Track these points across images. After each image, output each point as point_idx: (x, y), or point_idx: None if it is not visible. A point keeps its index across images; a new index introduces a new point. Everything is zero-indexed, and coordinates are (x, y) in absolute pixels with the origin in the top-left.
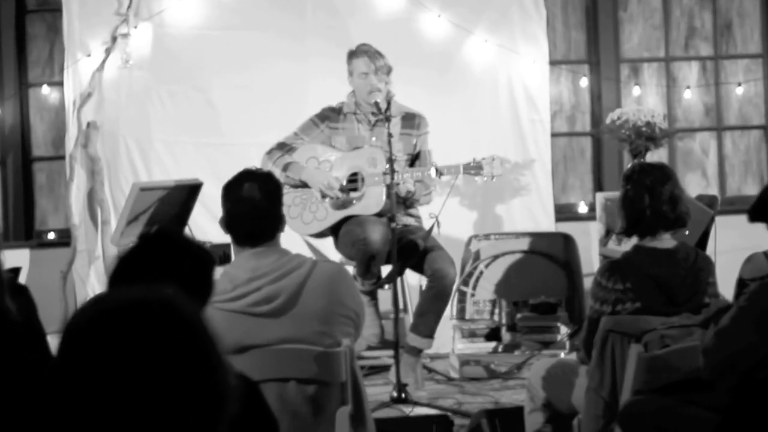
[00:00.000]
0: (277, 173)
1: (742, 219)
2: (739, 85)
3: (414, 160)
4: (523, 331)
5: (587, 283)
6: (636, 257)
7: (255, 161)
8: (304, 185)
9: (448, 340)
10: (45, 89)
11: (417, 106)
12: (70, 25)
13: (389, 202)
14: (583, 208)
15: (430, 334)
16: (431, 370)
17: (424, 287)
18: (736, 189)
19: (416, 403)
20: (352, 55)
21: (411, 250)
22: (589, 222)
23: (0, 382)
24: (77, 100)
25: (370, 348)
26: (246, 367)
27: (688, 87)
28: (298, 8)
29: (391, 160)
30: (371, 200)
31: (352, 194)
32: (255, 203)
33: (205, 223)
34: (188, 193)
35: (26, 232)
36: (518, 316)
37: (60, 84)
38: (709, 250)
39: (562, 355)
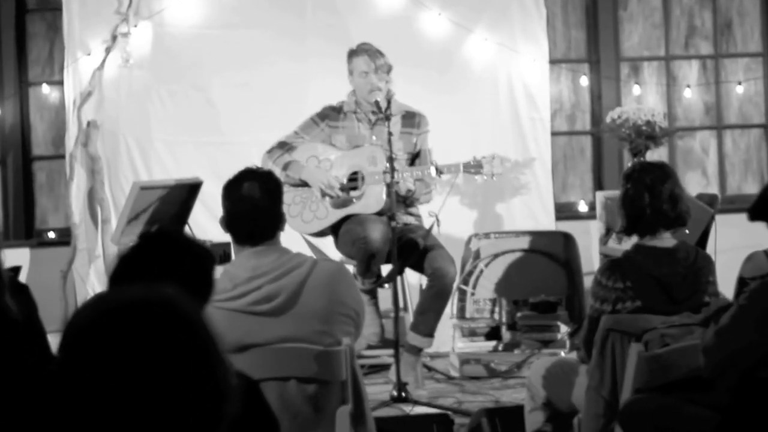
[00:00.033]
0: (278, 172)
1: (743, 218)
2: (740, 83)
3: (414, 158)
4: (523, 330)
5: (587, 281)
6: (636, 256)
7: (255, 160)
8: (304, 184)
9: (449, 338)
10: (45, 88)
11: (417, 105)
12: (70, 24)
13: (389, 200)
14: (583, 207)
15: (430, 333)
16: (431, 368)
17: (424, 286)
18: (737, 188)
19: (416, 402)
20: (353, 53)
21: (411, 248)
22: (590, 221)
23: (0, 381)
24: (77, 99)
25: (370, 347)
26: (246, 365)
27: (688, 86)
28: (298, 7)
29: (391, 159)
30: (371, 199)
31: (352, 193)
32: (255, 202)
33: (206, 222)
34: (188, 191)
35: (26, 231)
36: (518, 314)
37: (60, 83)
38: (710, 249)
39: (563, 353)
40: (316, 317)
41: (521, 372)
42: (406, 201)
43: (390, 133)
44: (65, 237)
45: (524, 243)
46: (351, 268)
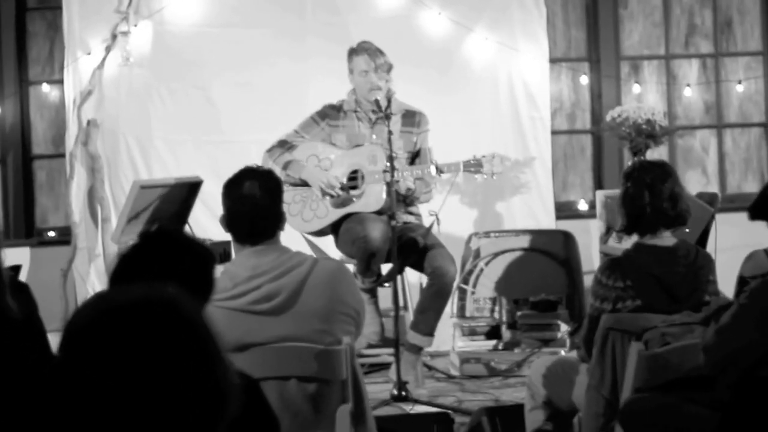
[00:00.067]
0: (278, 171)
1: (743, 216)
2: (740, 82)
3: (414, 157)
4: (524, 329)
5: (587, 280)
6: (636, 255)
7: (255, 159)
8: (304, 184)
9: (449, 337)
10: (45, 87)
11: (417, 104)
12: (71, 23)
13: (389, 199)
14: (583, 206)
15: (430, 332)
16: (431, 367)
17: (424, 285)
18: (737, 186)
19: (416, 401)
20: (353, 52)
21: (411, 247)
22: (590, 220)
23: (1, 380)
24: (77, 98)
25: (370, 346)
26: (246, 365)
27: (689, 84)
28: (298, 7)
29: (391, 158)
30: (371, 198)
31: (352, 192)
32: (255, 201)
33: (206, 221)
34: (188, 190)
35: (26, 230)
36: (518, 313)
37: (60, 82)
38: (710, 248)
39: (563, 352)
40: (316, 316)
41: (521, 371)
42: (406, 200)
43: (390, 132)
44: (65, 236)
45: (524, 242)
46: (351, 267)
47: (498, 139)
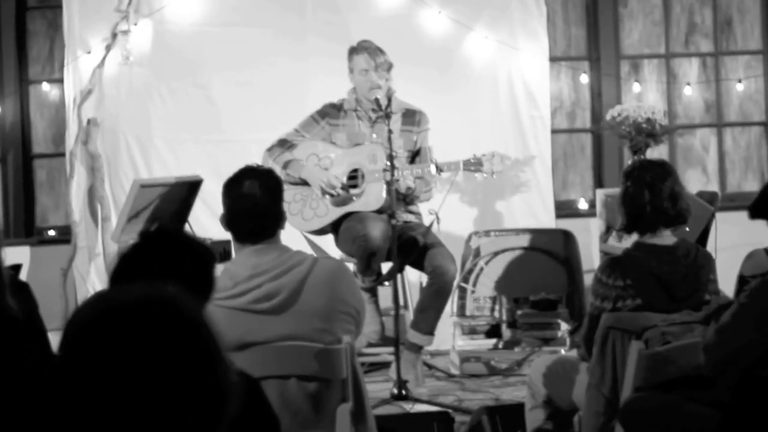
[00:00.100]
0: (278, 170)
1: (743, 215)
2: (740, 81)
3: (414, 156)
4: (524, 328)
5: (587, 279)
6: (636, 254)
7: (255, 158)
8: (304, 183)
9: (449, 336)
10: (45, 86)
11: (417, 103)
12: (71, 22)
13: (389, 198)
14: (583, 205)
15: (430, 331)
16: (432, 366)
17: (424, 284)
18: (737, 185)
19: (417, 400)
20: (353, 51)
21: (411, 246)
22: (590, 218)
23: (1, 379)
24: (77, 97)
25: (370, 345)
26: (247, 364)
27: (689, 83)
28: (298, 6)
29: (391, 157)
30: (371, 197)
31: (352, 191)
32: (256, 200)
33: (206, 220)
34: (188, 189)
35: (27, 229)
36: (518, 312)
37: (60, 81)
38: (710, 247)
39: (563, 351)
40: (316, 315)
41: (522, 370)
42: (406, 199)
43: (390, 131)
44: (65, 235)
45: (524, 241)
46: (351, 266)
47: (498, 137)
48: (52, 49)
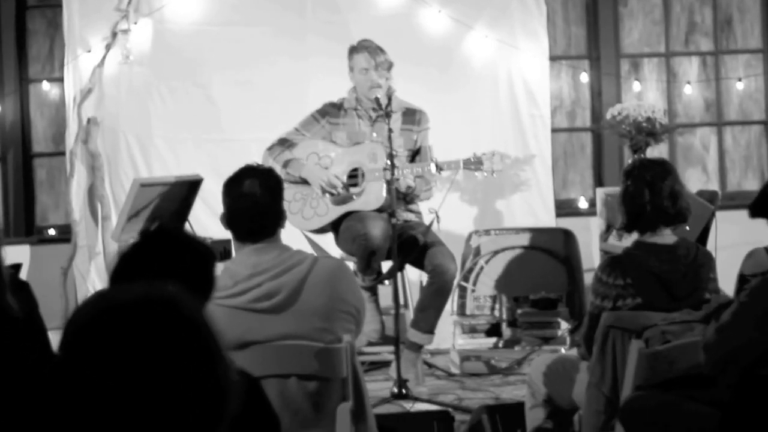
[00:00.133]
0: (278, 169)
1: (743, 214)
2: (740, 80)
3: (414, 155)
4: (524, 327)
5: (588, 278)
6: (637, 253)
7: (255, 157)
8: (304, 182)
9: (449, 335)
10: (45, 85)
11: (417, 102)
12: (71, 21)
13: (389, 197)
14: (583, 204)
15: (430, 330)
16: (432, 365)
17: (424, 283)
18: (737, 184)
19: (417, 399)
20: (353, 50)
21: (411, 245)
22: (590, 217)
23: (1, 378)
24: (77, 96)
25: (370, 344)
26: (247, 363)
27: (689, 82)
28: (298, 5)
29: (391, 156)
30: (371, 196)
31: (353, 190)
32: (256, 199)
33: (206, 219)
34: (188, 188)
35: (27, 228)
36: (519, 311)
37: (60, 80)
38: (710, 246)
39: (563, 350)
40: (316, 314)
41: (522, 369)
42: (407, 198)
43: (390, 130)
44: (65, 234)
45: (524, 240)
46: (351, 265)
47: (498, 136)
48: (52, 48)
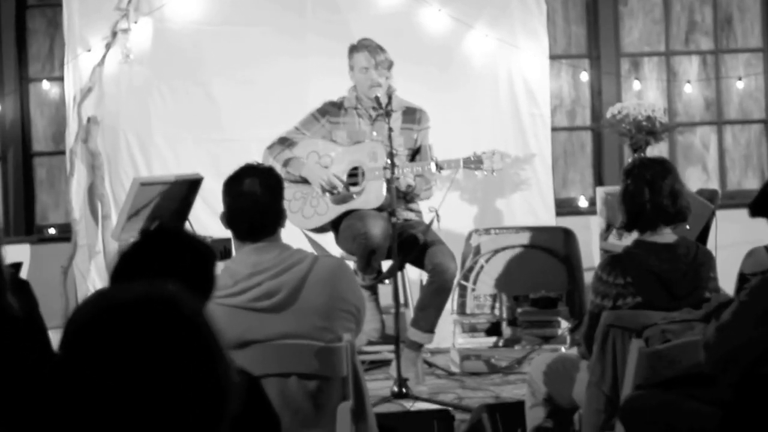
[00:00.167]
0: (278, 168)
1: (743, 213)
2: (740, 79)
3: (415, 154)
4: (524, 326)
5: (588, 277)
6: (637, 252)
7: (255, 156)
8: (304, 181)
9: (449, 334)
10: (45, 84)
11: (417, 101)
12: (71, 20)
13: (389, 196)
14: (583, 203)
15: (430, 329)
16: (432, 364)
17: (424, 282)
18: (737, 183)
19: (417, 398)
20: (353, 49)
21: (411, 244)
22: (590, 216)
23: (1, 377)
24: (77, 95)
25: (370, 343)
26: (247, 362)
27: (689, 81)
28: (298, 5)
29: (391, 155)
30: (371, 195)
31: (353, 189)
32: (256, 198)
33: (206, 218)
34: (189, 187)
35: (27, 228)
36: (519, 310)
37: (60, 79)
38: (710, 245)
39: (563, 349)
40: (316, 313)
41: (522, 368)
42: (407, 197)
43: (390, 129)
44: (66, 233)
45: (524, 239)
46: (351, 263)
47: (498, 135)
48: (52, 47)
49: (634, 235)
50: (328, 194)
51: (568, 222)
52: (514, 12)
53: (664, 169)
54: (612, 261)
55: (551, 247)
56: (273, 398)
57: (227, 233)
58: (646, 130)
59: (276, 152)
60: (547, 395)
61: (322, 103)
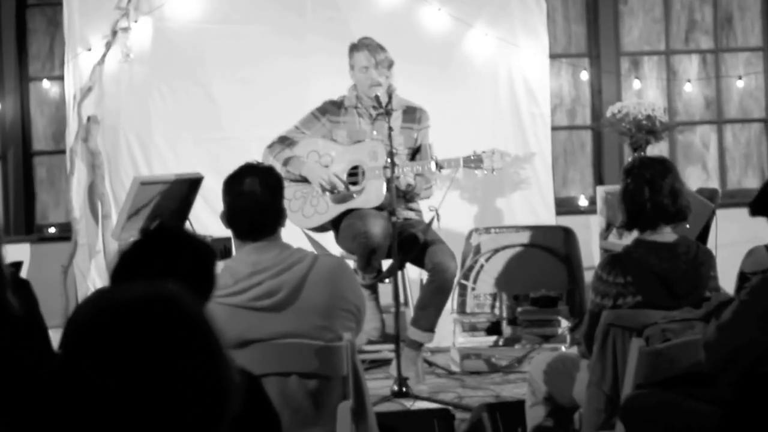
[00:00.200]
0: (278, 167)
1: (743, 212)
2: (740, 78)
3: (415, 153)
4: (524, 325)
5: (588, 276)
6: (637, 251)
7: (255, 155)
8: (304, 180)
9: (449, 333)
10: (45, 83)
11: (417, 100)
12: (71, 19)
13: (389, 195)
14: (583, 202)
15: (430, 328)
16: (432, 363)
17: (424, 281)
18: (737, 182)
19: (417, 397)
20: (354, 48)
21: (412, 243)
22: (590, 215)
23: (2, 376)
24: (78, 94)
25: (370, 342)
26: (247, 361)
27: (689, 80)
28: (298, 4)
29: (391, 154)
30: (371, 194)
31: (353, 188)
32: (256, 197)
33: (206, 218)
34: (189, 187)
35: (27, 227)
36: (519, 309)
37: (60, 78)
38: (710, 244)
39: (563, 348)
40: (317, 312)
41: (522, 367)
42: (407, 196)
43: (390, 128)
44: (66, 232)
45: (524, 238)
46: (351, 263)
47: (498, 134)
48: (53, 47)
49: (635, 235)
50: (328, 193)
51: (568, 221)
52: (514, 11)
53: (664, 168)
54: (612, 260)
55: (551, 247)
56: (273, 397)
57: (227, 232)
58: (646, 129)
59: (276, 151)
60: (547, 394)
61: (323, 102)
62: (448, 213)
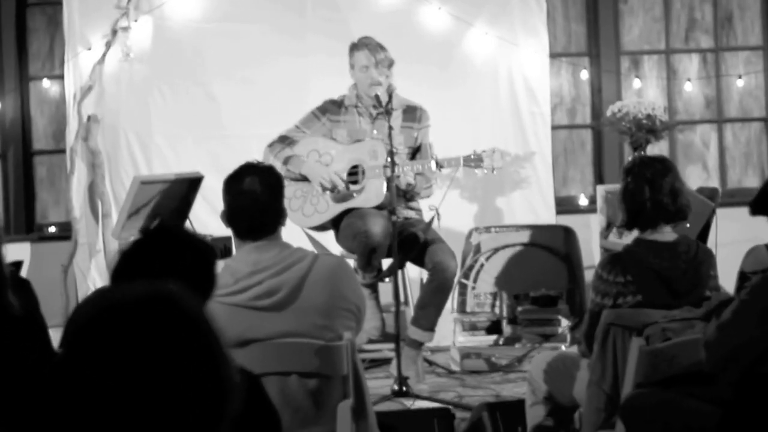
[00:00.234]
0: (278, 166)
1: (743, 211)
2: (740, 77)
3: (415, 153)
4: (524, 324)
5: (588, 276)
6: (637, 250)
7: (256, 154)
8: (304, 179)
9: (449, 333)
10: (45, 83)
11: (417, 99)
12: (71, 18)
13: (390, 194)
14: (583, 201)
15: (431, 327)
16: (432, 363)
17: (425, 280)
18: (737, 181)
19: (417, 397)
20: (354, 48)
21: (412, 242)
22: (590, 215)
23: (2, 376)
24: (78, 94)
25: (371, 341)
26: (247, 360)
27: (689, 79)
28: (298, 4)
29: (392, 153)
30: (371, 193)
31: (353, 187)
32: (256, 197)
33: (206, 217)
34: (189, 186)
35: (27, 226)
36: (519, 308)
37: (60, 77)
38: (710, 243)
39: (563, 348)
40: (317, 312)
41: (522, 366)
42: (407, 195)
43: (391, 128)
44: (66, 231)
45: (525, 237)
46: (352, 262)
47: (498, 134)
48: (53, 46)
49: (635, 234)
50: (328, 192)
51: (569, 220)
52: (514, 10)
53: (664, 167)
54: (612, 259)
55: (551, 246)
56: (273, 397)
57: (227, 232)
58: (646, 129)
59: (276, 150)
60: (547, 393)
61: (323, 101)
62: (448, 212)
